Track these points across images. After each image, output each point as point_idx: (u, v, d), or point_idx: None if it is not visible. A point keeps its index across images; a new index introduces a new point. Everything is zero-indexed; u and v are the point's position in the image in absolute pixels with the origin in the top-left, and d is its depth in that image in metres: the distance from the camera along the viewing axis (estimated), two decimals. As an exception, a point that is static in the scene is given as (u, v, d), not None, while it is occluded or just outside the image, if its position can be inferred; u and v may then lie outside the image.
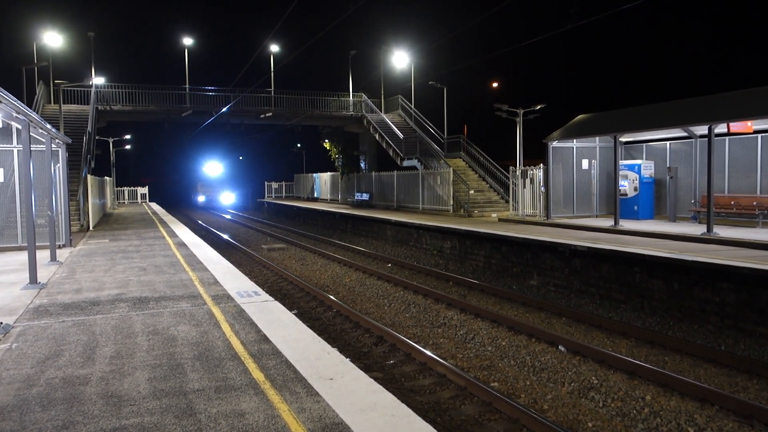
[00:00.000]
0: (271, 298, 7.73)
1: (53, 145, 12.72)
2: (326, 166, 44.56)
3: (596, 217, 19.50)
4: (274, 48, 38.59)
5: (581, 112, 20.57)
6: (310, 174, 46.63)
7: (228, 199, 46.40)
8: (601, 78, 58.83)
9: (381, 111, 36.45)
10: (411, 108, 34.83)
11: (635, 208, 17.88)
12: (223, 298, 7.82)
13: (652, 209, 18.14)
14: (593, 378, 7.65)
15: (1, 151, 13.25)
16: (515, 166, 22.04)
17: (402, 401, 4.17)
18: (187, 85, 34.17)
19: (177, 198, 62.57)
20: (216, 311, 7.04)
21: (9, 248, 13.35)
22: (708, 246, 12.19)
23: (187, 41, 36.53)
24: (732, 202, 15.76)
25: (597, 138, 19.55)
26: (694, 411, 6.61)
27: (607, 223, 16.78)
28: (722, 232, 13.62)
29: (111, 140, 42.59)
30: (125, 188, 45.77)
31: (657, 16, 57.51)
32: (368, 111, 36.04)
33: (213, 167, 46.97)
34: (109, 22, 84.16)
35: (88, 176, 19.98)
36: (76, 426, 3.84)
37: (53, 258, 11.40)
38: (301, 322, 6.45)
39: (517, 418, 6.38)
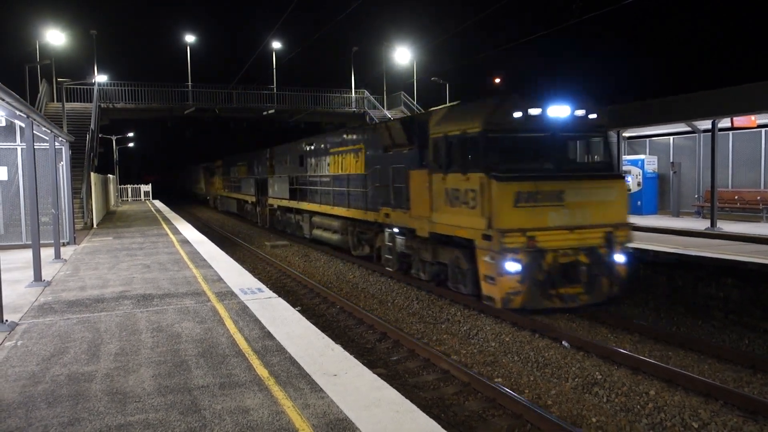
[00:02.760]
0: (274, 295, 7.75)
1: (56, 143, 12.74)
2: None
3: (599, 212, 19.42)
4: (276, 45, 38.58)
5: (584, 107, 20.45)
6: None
7: None
8: (604, 73, 58.66)
9: (383, 107, 36.39)
10: (413, 104, 34.75)
11: (639, 203, 17.84)
12: (226, 294, 7.84)
13: (656, 204, 18.11)
14: (597, 373, 7.64)
15: (4, 150, 13.29)
16: (518, 162, 21.93)
17: (406, 397, 4.18)
18: (190, 83, 34.18)
19: (180, 195, 62.74)
20: (220, 308, 7.05)
21: (14, 246, 13.39)
22: (712, 241, 12.15)
23: (189, 38, 36.58)
24: (736, 197, 15.70)
25: (600, 133, 19.45)
26: (699, 406, 6.59)
27: (611, 218, 16.72)
28: (726, 227, 13.57)
29: (114, 138, 42.65)
30: (129, 186, 45.88)
31: (660, 10, 57.25)
32: (370, 107, 36.00)
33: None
34: (111, 20, 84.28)
35: (92, 174, 20.02)
36: (81, 422, 3.86)
37: (57, 256, 11.43)
38: (304, 318, 6.46)
39: (520, 414, 6.39)
